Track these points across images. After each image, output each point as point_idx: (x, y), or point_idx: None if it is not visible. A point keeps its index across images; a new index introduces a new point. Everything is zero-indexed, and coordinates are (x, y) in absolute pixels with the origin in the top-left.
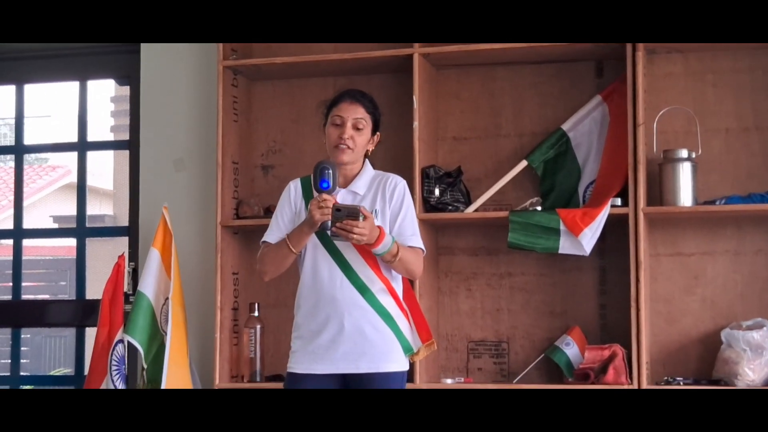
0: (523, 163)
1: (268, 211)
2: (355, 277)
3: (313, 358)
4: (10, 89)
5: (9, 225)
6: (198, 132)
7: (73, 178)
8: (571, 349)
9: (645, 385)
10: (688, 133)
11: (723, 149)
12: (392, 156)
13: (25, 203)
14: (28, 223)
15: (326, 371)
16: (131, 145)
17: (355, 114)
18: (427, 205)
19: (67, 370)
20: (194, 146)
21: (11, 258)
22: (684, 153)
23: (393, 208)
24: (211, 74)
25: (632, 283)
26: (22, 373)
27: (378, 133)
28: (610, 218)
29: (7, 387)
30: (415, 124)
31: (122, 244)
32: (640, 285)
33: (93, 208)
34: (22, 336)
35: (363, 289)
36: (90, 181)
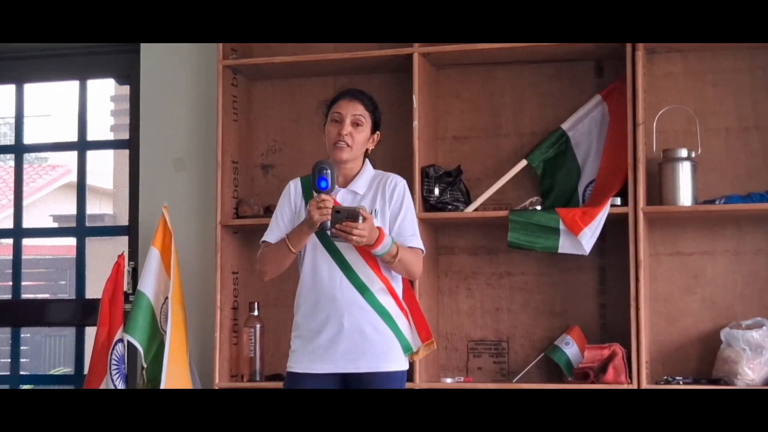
0: (523, 163)
1: (268, 211)
2: (355, 277)
3: (313, 357)
4: (10, 88)
5: (9, 224)
6: (198, 131)
7: (73, 177)
8: (570, 348)
9: (645, 385)
10: (687, 132)
11: (723, 149)
12: (392, 155)
13: (25, 202)
14: (27, 223)
15: (326, 371)
16: (131, 144)
17: (354, 110)
18: (427, 204)
19: (67, 370)
20: (194, 146)
21: (11, 257)
22: (684, 152)
23: (393, 208)
24: (211, 73)
25: (632, 283)
26: (21, 373)
27: (378, 132)
28: (610, 218)
29: (6, 386)
30: (415, 123)
31: (122, 243)
32: (639, 284)
33: (93, 208)
34: (22, 335)
35: (363, 289)
36: (90, 180)
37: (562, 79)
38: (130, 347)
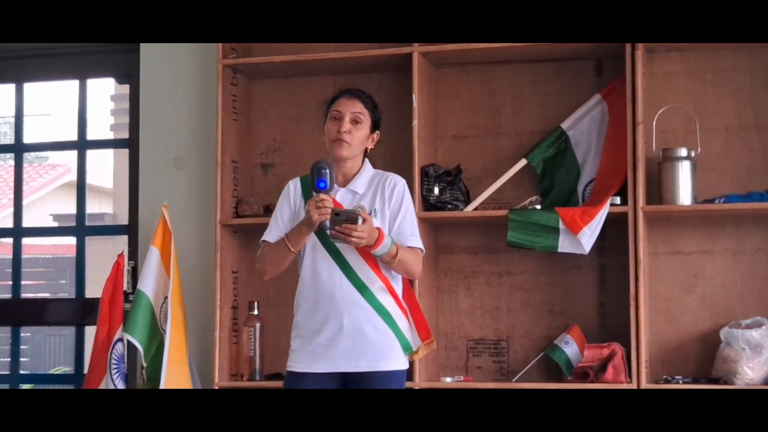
0: (523, 162)
1: (268, 210)
2: (355, 276)
3: (313, 356)
4: (10, 88)
5: (9, 223)
6: (197, 130)
7: (73, 176)
8: (570, 347)
9: (644, 384)
10: (687, 131)
11: (722, 148)
12: (392, 155)
13: (25, 202)
14: (27, 222)
15: (326, 370)
16: (131, 143)
17: (354, 108)
18: (427, 203)
19: (67, 369)
20: (194, 145)
21: (11, 256)
22: (683, 152)
23: (392, 208)
24: (211, 73)
25: (631, 282)
26: (21, 372)
27: (378, 132)
28: (610, 217)
29: (6, 385)
30: (415, 122)
31: (122, 242)
32: (639, 284)
33: (93, 207)
34: (22, 334)
35: (362, 288)
36: (90, 179)
37: (562, 78)
38: (130, 346)
